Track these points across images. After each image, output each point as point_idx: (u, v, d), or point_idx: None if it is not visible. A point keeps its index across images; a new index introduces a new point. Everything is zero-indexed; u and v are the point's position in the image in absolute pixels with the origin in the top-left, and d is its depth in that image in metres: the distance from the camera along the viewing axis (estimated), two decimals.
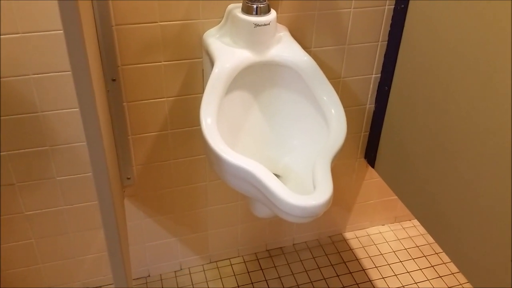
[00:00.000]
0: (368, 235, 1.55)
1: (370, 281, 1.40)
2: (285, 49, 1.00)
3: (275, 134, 1.07)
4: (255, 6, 0.95)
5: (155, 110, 1.11)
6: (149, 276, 1.38)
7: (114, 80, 1.03)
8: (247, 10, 0.96)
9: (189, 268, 1.41)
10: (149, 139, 1.15)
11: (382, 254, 1.48)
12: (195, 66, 1.07)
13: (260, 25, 0.95)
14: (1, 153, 1.04)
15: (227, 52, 0.97)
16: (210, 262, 1.43)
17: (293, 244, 1.50)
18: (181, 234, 1.34)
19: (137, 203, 1.25)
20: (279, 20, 1.07)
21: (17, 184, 1.10)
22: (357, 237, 1.54)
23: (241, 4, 0.97)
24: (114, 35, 0.97)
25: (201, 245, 1.39)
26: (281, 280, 1.39)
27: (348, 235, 1.55)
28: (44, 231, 1.20)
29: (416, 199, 1.18)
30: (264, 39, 0.97)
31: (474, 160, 0.96)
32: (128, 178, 1.18)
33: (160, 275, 1.39)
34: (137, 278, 1.37)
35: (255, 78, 1.02)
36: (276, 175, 1.01)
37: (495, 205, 0.92)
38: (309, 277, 1.40)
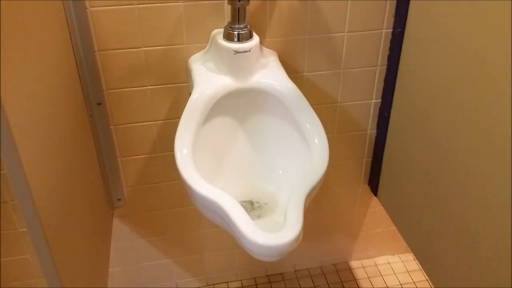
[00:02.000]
0: (376, 265, 1.47)
1: None
2: (269, 75, 0.96)
3: (261, 161, 1.03)
4: (235, 32, 0.92)
5: (143, 133, 1.10)
6: None
7: (99, 104, 1.03)
8: (227, 36, 0.93)
9: None
10: (139, 161, 1.15)
11: (388, 287, 1.40)
12: (182, 90, 1.06)
13: (240, 52, 0.93)
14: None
15: (207, 78, 0.95)
16: (207, 285, 1.41)
17: (295, 271, 1.45)
18: (176, 255, 1.33)
19: (130, 224, 1.25)
20: (268, 44, 1.04)
21: (10, 202, 1.13)
22: (363, 267, 1.46)
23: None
24: (97, 60, 0.98)
25: (197, 267, 1.37)
26: None
27: (354, 264, 1.48)
28: None
29: (412, 232, 1.11)
30: (245, 65, 0.94)
31: (472, 201, 0.88)
32: (119, 199, 1.19)
33: None
34: None
35: (240, 104, 0.99)
36: (261, 203, 0.99)
37: (492, 251, 0.84)
38: None
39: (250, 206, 0.97)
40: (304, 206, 0.84)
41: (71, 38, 0.91)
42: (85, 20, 0.92)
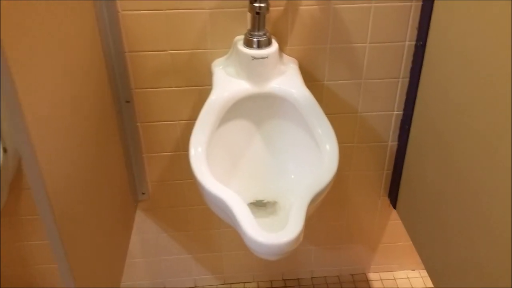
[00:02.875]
0: (395, 278, 1.46)
1: None
2: (285, 82, 1.00)
3: (275, 164, 1.06)
4: (255, 39, 0.97)
5: (168, 131, 1.16)
6: None
7: (128, 102, 1.10)
8: (247, 43, 0.98)
9: (203, 286, 1.44)
10: (163, 158, 1.21)
11: None
12: (205, 93, 1.10)
13: (258, 58, 0.97)
14: None
15: (226, 82, 1.00)
16: (224, 284, 1.45)
17: (312, 278, 1.47)
18: (196, 252, 1.38)
19: (153, 218, 1.31)
20: (289, 52, 1.07)
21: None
22: (381, 279, 1.45)
23: None
24: (127, 60, 1.05)
25: (216, 266, 1.42)
26: None
27: (372, 276, 1.47)
28: None
29: (426, 248, 1.10)
30: (262, 71, 0.98)
31: (488, 222, 0.87)
32: (143, 193, 1.25)
33: None
34: None
35: (256, 109, 1.03)
36: (271, 204, 1.01)
37: (507, 274, 0.83)
38: None
39: (261, 206, 1.01)
40: (309, 210, 0.87)
41: (102, 39, 0.98)
42: (117, 22, 1.00)
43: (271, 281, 1.45)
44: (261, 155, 1.07)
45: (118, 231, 1.13)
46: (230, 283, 1.45)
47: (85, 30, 0.91)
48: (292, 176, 1.03)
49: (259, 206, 1.02)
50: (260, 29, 0.96)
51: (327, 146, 0.94)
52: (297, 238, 0.82)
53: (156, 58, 1.06)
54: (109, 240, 1.06)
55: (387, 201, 1.32)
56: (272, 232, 0.81)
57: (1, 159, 0.93)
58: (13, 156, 1.07)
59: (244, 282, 1.45)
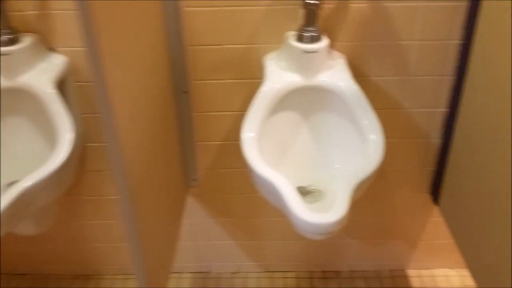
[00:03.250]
0: (433, 276, 1.47)
1: None
2: (334, 75, 1.05)
3: (321, 154, 1.12)
4: (306, 34, 1.03)
5: (220, 121, 1.24)
6: (209, 272, 1.51)
7: (185, 92, 1.19)
8: (299, 38, 1.04)
9: (245, 272, 1.51)
10: (214, 147, 1.28)
11: None
12: (256, 86, 1.16)
13: (308, 52, 1.03)
14: (91, 144, 1.26)
15: (278, 74, 1.06)
16: (266, 271, 1.51)
17: (350, 271, 1.50)
18: (240, 238, 1.45)
19: (202, 203, 1.39)
20: (338, 48, 1.13)
21: (105, 171, 1.32)
22: (420, 276, 1.47)
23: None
24: (187, 53, 1.14)
25: (258, 253, 1.48)
26: None
27: (411, 272, 1.49)
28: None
29: (469, 247, 1.11)
30: (312, 65, 1.04)
31: None
32: (194, 180, 1.33)
33: (219, 273, 1.51)
34: (198, 272, 1.51)
35: (305, 101, 1.09)
36: (316, 191, 1.07)
37: None
38: None
39: (306, 192, 1.06)
40: (352, 195, 0.92)
41: (166, 34, 1.07)
42: (180, 18, 1.08)
43: (310, 271, 1.50)
44: (308, 145, 1.13)
45: (173, 212, 1.22)
46: (272, 271, 1.51)
47: (154, 26, 1.00)
48: (337, 166, 1.09)
49: (304, 193, 1.08)
50: (311, 25, 1.03)
51: (373, 136, 0.99)
52: (341, 219, 0.87)
53: (213, 52, 1.14)
54: (167, 220, 1.14)
55: (429, 198, 1.35)
56: (319, 212, 0.87)
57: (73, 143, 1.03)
58: (80, 140, 1.18)
59: (284, 271, 1.50)
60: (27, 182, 0.91)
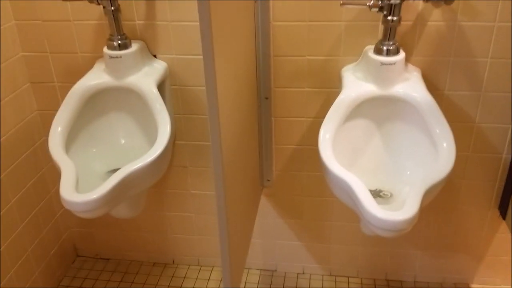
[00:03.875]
0: None
1: None
2: (409, 87, 1.12)
3: (392, 161, 1.19)
4: (384, 48, 1.11)
5: (297, 127, 1.34)
6: (275, 270, 1.60)
7: (267, 98, 1.30)
8: (377, 51, 1.12)
9: (310, 274, 1.58)
10: (289, 150, 1.38)
11: None
12: (332, 95, 1.27)
13: (386, 64, 1.11)
14: (180, 142, 1.40)
15: (355, 84, 1.15)
16: (330, 275, 1.57)
17: (414, 281, 1.53)
18: (306, 240, 1.53)
19: (273, 204, 1.49)
20: (414, 62, 1.20)
21: (189, 167, 1.45)
22: None
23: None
24: (271, 63, 1.25)
25: (323, 256, 1.55)
26: None
27: (475, 287, 1.49)
28: (202, 209, 1.53)
29: None
30: (389, 76, 1.12)
31: None
32: (268, 180, 1.44)
33: (285, 272, 1.59)
34: (266, 270, 1.60)
35: (380, 110, 1.17)
36: (387, 194, 1.14)
37: None
38: None
39: (378, 195, 1.13)
40: (423, 199, 0.97)
41: (256, 45, 1.19)
42: (268, 31, 1.20)
43: (374, 279, 1.55)
44: (380, 152, 1.20)
45: (250, 210, 1.32)
46: (335, 275, 1.57)
47: (248, 38, 1.12)
48: (408, 173, 1.15)
49: (375, 196, 1.14)
50: (390, 39, 1.11)
51: (444, 144, 1.04)
52: (412, 218, 0.93)
53: (295, 62, 1.24)
54: (245, 218, 1.24)
55: (497, 212, 1.37)
56: (390, 210, 0.94)
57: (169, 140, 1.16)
58: (172, 137, 1.31)
59: (348, 276, 1.56)
60: (132, 167, 1.05)
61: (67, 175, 1.07)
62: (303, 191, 1.44)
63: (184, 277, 1.61)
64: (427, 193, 1.00)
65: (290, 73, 1.27)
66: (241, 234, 1.20)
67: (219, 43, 0.83)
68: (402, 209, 0.94)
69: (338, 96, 1.13)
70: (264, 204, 1.49)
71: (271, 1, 1.18)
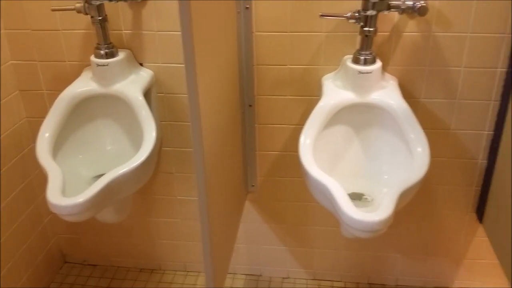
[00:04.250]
0: None
1: None
2: (385, 95, 1.17)
3: (371, 165, 1.23)
4: (362, 57, 1.16)
5: (279, 133, 1.38)
6: (260, 275, 1.63)
7: (250, 105, 1.34)
8: (355, 60, 1.17)
9: (294, 278, 1.61)
10: (273, 157, 1.42)
11: None
12: (313, 102, 1.29)
13: (363, 73, 1.15)
14: (166, 148, 1.43)
15: (334, 92, 1.19)
16: (314, 279, 1.60)
17: (396, 285, 1.57)
18: (290, 244, 1.56)
19: (258, 209, 1.52)
20: (391, 71, 1.25)
21: (175, 174, 1.48)
22: None
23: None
24: (254, 71, 1.29)
25: (307, 261, 1.58)
26: None
27: None
28: (188, 215, 1.56)
29: None
30: (366, 84, 1.16)
31: None
32: (253, 186, 1.47)
33: (270, 277, 1.62)
34: (251, 274, 1.63)
35: (357, 117, 1.21)
36: (366, 198, 1.17)
37: None
38: None
39: (359, 199, 1.17)
40: (399, 201, 1.01)
41: (238, 54, 1.24)
42: (251, 41, 1.25)
43: (357, 282, 1.58)
44: (359, 157, 1.24)
45: (234, 215, 1.35)
46: (319, 279, 1.60)
47: (231, 47, 1.16)
48: (386, 177, 1.19)
49: (357, 199, 1.18)
50: (367, 49, 1.15)
51: (419, 149, 1.09)
52: (387, 219, 0.96)
53: (278, 71, 1.29)
54: (229, 223, 1.27)
55: (474, 217, 1.41)
56: (366, 211, 0.98)
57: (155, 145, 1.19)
58: (158, 143, 1.34)
59: (332, 280, 1.59)
60: (117, 172, 1.08)
61: (53, 180, 1.10)
62: (287, 196, 1.48)
63: (171, 283, 1.63)
64: (403, 195, 1.03)
65: (272, 81, 1.31)
66: (225, 238, 1.23)
67: (201, 53, 0.87)
68: (376, 210, 0.98)
69: (318, 103, 1.17)
70: (249, 209, 1.52)
71: (253, 12, 1.22)
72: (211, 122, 0.99)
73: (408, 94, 1.26)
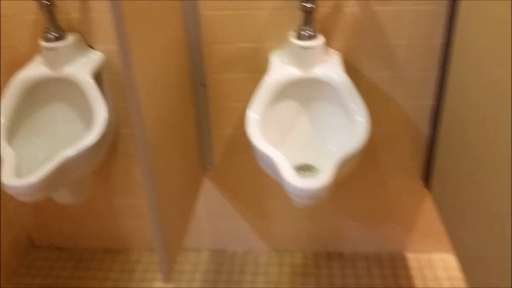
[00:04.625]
0: (431, 260, 1.59)
1: None
2: (327, 69, 1.22)
3: (317, 137, 1.28)
4: (304, 33, 1.20)
5: (233, 112, 1.42)
6: (223, 250, 1.68)
7: (203, 84, 1.37)
8: (298, 36, 1.21)
9: (256, 251, 1.66)
10: (228, 135, 1.46)
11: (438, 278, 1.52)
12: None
13: (306, 48, 1.20)
14: (125, 131, 1.46)
15: (280, 68, 1.23)
16: (275, 250, 1.66)
17: (352, 252, 1.64)
18: (250, 219, 1.61)
19: (218, 186, 1.56)
20: (335, 47, 1.29)
21: (134, 155, 1.51)
22: (418, 260, 1.59)
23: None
24: (204, 50, 1.32)
25: (267, 233, 1.64)
26: (332, 280, 1.55)
27: (409, 255, 1.61)
28: None
29: (458, 235, 1.21)
30: (309, 59, 1.21)
31: None
32: (211, 164, 1.51)
33: (233, 251, 1.67)
34: (215, 250, 1.68)
35: (303, 91, 1.26)
36: (315, 168, 1.23)
37: None
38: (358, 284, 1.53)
39: (307, 169, 1.22)
40: (341, 169, 1.06)
41: (186, 33, 1.26)
42: (198, 20, 1.27)
43: (316, 252, 1.65)
44: (306, 130, 1.29)
45: (189, 193, 1.39)
46: (280, 251, 1.66)
47: (175, 27, 1.19)
48: (332, 147, 1.24)
49: (302, 170, 1.23)
50: (309, 25, 1.20)
51: (359, 118, 1.14)
52: (325, 186, 1.02)
53: (227, 49, 1.32)
54: (183, 200, 1.32)
55: (422, 183, 1.48)
56: (306, 179, 1.03)
57: (106, 122, 1.22)
58: (113, 125, 1.37)
59: (291, 251, 1.65)
60: (68, 151, 1.11)
61: (7, 162, 1.13)
62: (245, 172, 1.53)
63: (137, 262, 1.67)
64: (345, 163, 1.09)
65: (223, 60, 1.34)
66: (178, 215, 1.28)
67: (136, 34, 0.90)
68: (317, 177, 1.03)
69: (264, 80, 1.21)
70: (209, 187, 1.57)
71: None
72: (155, 101, 1.02)
73: (352, 68, 1.30)
